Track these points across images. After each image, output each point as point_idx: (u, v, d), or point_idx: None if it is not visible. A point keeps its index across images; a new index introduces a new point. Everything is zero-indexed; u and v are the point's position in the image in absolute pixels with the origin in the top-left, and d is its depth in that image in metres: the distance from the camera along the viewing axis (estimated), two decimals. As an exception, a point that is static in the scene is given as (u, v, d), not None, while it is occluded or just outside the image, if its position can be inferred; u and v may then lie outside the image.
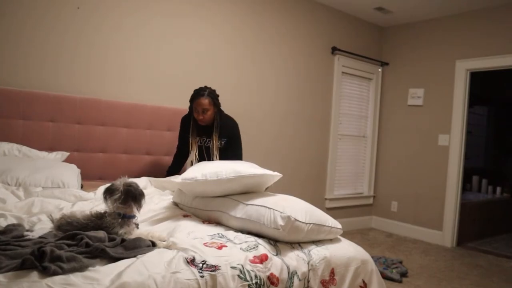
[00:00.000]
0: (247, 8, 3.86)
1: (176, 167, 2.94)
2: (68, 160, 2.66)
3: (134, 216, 1.55)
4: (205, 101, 2.62)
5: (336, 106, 4.72)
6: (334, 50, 4.61)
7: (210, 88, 2.72)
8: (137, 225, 1.57)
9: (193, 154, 2.81)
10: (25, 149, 2.45)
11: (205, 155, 2.81)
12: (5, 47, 2.63)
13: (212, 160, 2.76)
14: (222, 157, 2.74)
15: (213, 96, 2.67)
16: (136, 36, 3.18)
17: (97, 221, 1.45)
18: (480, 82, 5.41)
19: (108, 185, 1.56)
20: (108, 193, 1.51)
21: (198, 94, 2.66)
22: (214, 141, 2.72)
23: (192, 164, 2.80)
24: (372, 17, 4.85)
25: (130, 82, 3.18)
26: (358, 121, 5.07)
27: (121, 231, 1.45)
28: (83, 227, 1.41)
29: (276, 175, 1.90)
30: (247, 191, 1.87)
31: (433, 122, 4.67)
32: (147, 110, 3.16)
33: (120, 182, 1.54)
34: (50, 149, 2.69)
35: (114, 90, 3.10)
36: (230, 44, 3.76)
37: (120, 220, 1.48)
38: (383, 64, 5.16)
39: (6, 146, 2.39)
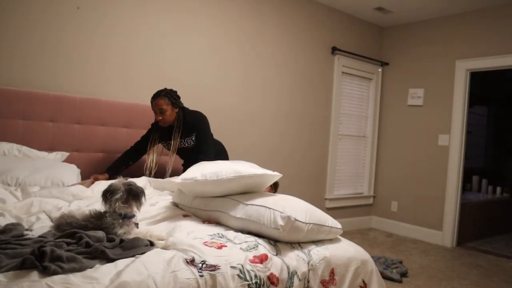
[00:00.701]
0: (246, 8, 3.86)
1: (124, 159, 2.79)
2: (68, 160, 2.66)
3: (134, 216, 1.55)
4: (160, 101, 2.62)
5: (336, 106, 4.72)
6: (334, 50, 4.62)
7: (167, 88, 2.70)
8: (136, 225, 1.57)
9: (150, 158, 2.76)
10: (25, 149, 2.45)
11: (180, 156, 2.83)
12: (5, 47, 2.63)
13: (169, 161, 2.75)
14: (193, 155, 2.67)
15: (170, 96, 2.65)
16: (136, 36, 3.19)
17: (96, 222, 1.45)
18: (480, 82, 5.41)
19: (106, 186, 1.56)
20: (109, 193, 1.51)
21: (154, 95, 2.67)
22: (174, 141, 2.71)
23: (146, 170, 2.77)
24: (372, 17, 4.86)
25: (130, 82, 3.18)
26: (358, 121, 5.07)
27: (120, 231, 1.45)
28: (82, 228, 1.41)
29: (276, 175, 1.90)
30: (247, 191, 1.87)
31: (433, 122, 4.67)
32: (147, 110, 3.16)
33: (119, 182, 1.54)
34: (50, 149, 2.69)
35: (114, 90, 3.10)
36: (229, 44, 3.76)
37: (120, 220, 1.48)
38: (383, 64, 5.16)
39: (6, 146, 2.39)
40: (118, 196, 1.49)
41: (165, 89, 2.69)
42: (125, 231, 1.46)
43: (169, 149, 2.81)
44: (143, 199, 1.57)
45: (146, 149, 2.78)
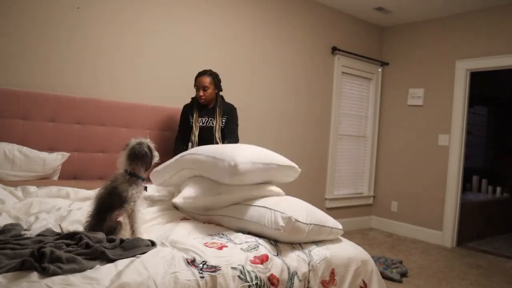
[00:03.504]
0: (246, 8, 3.86)
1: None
2: (68, 160, 2.65)
3: (141, 177, 1.60)
4: (206, 79, 2.83)
5: (336, 106, 4.72)
6: (334, 50, 4.61)
7: (214, 71, 2.92)
8: (145, 188, 1.64)
9: (195, 135, 2.90)
10: (25, 150, 2.45)
11: (204, 136, 2.90)
12: (5, 47, 2.63)
13: (214, 139, 2.88)
14: (217, 135, 2.88)
15: (215, 76, 2.88)
16: (137, 37, 3.18)
17: (111, 184, 1.54)
18: (480, 82, 5.41)
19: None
20: (123, 149, 1.63)
21: (200, 73, 2.88)
22: (218, 119, 2.89)
23: (192, 146, 2.89)
24: (372, 17, 4.85)
25: (130, 82, 3.18)
26: (358, 121, 5.07)
27: (131, 191, 1.51)
28: (106, 193, 1.51)
29: (279, 192, 1.89)
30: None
31: (433, 122, 4.67)
32: (147, 110, 3.16)
33: (134, 140, 1.63)
34: (50, 149, 2.69)
35: (114, 90, 3.09)
36: (229, 44, 3.76)
37: (127, 177, 1.55)
38: (383, 64, 5.16)
39: (6, 147, 2.39)
40: (124, 152, 1.61)
41: (211, 70, 2.91)
42: (135, 191, 1.53)
43: (204, 126, 2.92)
44: (147, 160, 1.62)
45: (190, 132, 2.92)
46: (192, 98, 3.00)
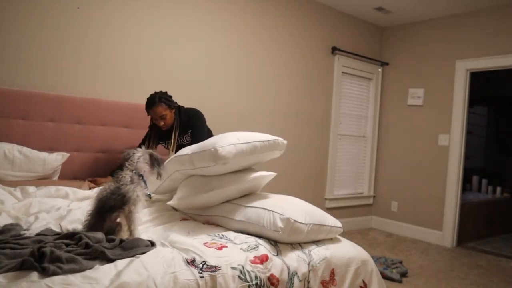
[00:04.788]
0: (246, 8, 3.86)
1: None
2: (68, 160, 2.65)
3: (146, 182, 1.61)
4: (159, 109, 2.60)
5: (336, 106, 4.72)
6: (334, 50, 4.61)
7: (159, 92, 2.66)
8: (149, 195, 1.63)
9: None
10: (25, 150, 2.45)
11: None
12: (5, 47, 2.63)
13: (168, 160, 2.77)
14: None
15: (165, 99, 2.63)
16: (137, 36, 3.18)
17: (115, 184, 1.52)
18: (480, 82, 5.41)
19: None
20: (132, 153, 1.60)
21: (149, 103, 2.62)
22: (173, 140, 2.70)
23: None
24: (372, 17, 4.85)
25: (130, 82, 3.18)
26: (358, 121, 5.07)
27: (136, 192, 1.50)
28: (109, 193, 1.48)
29: (271, 175, 1.91)
30: (245, 194, 1.87)
31: (433, 122, 4.67)
32: (147, 110, 3.15)
33: (139, 150, 1.65)
34: (50, 149, 2.69)
35: (114, 90, 3.09)
36: (230, 44, 3.76)
37: (136, 177, 1.54)
38: (383, 64, 5.15)
39: (6, 147, 2.39)
40: (140, 153, 1.58)
41: (157, 93, 2.65)
42: (139, 192, 1.52)
43: (168, 148, 2.81)
44: (162, 166, 1.65)
45: None
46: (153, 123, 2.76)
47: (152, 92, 2.71)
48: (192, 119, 2.76)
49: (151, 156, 1.64)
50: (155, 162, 1.64)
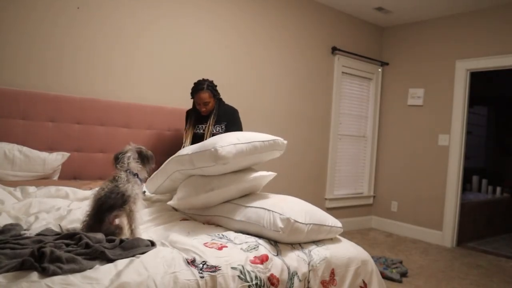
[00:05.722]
0: (246, 8, 3.86)
1: None
2: (68, 160, 2.65)
3: (141, 180, 1.63)
4: (205, 94, 2.77)
5: (336, 106, 4.72)
6: (334, 50, 4.61)
7: (208, 80, 2.84)
8: (144, 192, 1.63)
9: (187, 142, 2.88)
10: (25, 150, 2.45)
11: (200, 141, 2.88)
12: (5, 47, 2.63)
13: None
14: None
15: (212, 88, 2.82)
16: (137, 36, 3.18)
17: (111, 184, 1.53)
18: (480, 82, 5.41)
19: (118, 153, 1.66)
20: (120, 154, 1.62)
21: (197, 88, 2.80)
22: (210, 126, 2.83)
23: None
24: (372, 17, 4.85)
25: (130, 82, 3.18)
26: (358, 121, 5.07)
27: (134, 191, 1.52)
28: (107, 192, 1.50)
29: (271, 175, 1.91)
30: (245, 194, 1.87)
31: (433, 122, 4.67)
32: (147, 110, 3.16)
33: (129, 146, 1.66)
34: (50, 149, 2.69)
35: (114, 90, 3.09)
36: (230, 44, 3.76)
37: (130, 177, 1.56)
38: (383, 64, 5.16)
39: (6, 147, 2.39)
40: (129, 154, 1.60)
41: (205, 80, 2.83)
42: (137, 190, 1.54)
43: (202, 133, 2.90)
44: (152, 162, 1.67)
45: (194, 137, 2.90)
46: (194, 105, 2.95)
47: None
48: (229, 113, 2.94)
49: (140, 153, 1.67)
50: (145, 159, 1.67)
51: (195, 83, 2.85)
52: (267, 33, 4.04)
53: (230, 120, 2.91)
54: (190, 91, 2.90)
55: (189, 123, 2.93)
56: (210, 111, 2.87)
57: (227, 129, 2.87)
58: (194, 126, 2.91)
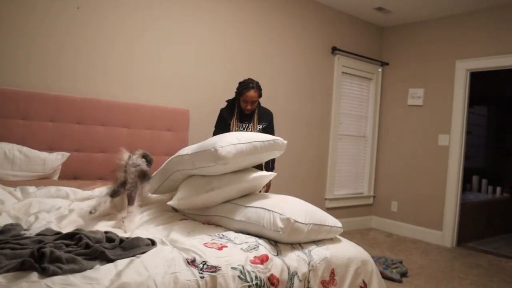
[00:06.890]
0: (246, 8, 3.86)
1: None
2: (68, 160, 2.65)
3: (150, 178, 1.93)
4: (254, 94, 2.85)
5: (336, 106, 4.72)
6: (334, 50, 4.61)
7: (255, 81, 2.90)
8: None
9: None
10: (25, 149, 2.45)
11: None
12: (5, 47, 2.63)
13: None
14: None
15: (259, 89, 2.91)
16: (137, 36, 3.18)
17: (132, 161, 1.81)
18: (480, 82, 5.41)
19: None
20: (128, 158, 1.92)
21: (247, 87, 2.86)
22: (254, 124, 2.94)
23: None
24: (372, 17, 4.85)
25: (130, 82, 3.18)
26: (358, 121, 5.07)
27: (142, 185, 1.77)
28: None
29: (271, 175, 1.91)
30: (245, 194, 1.87)
31: (433, 122, 4.67)
32: (147, 110, 3.16)
33: (137, 151, 1.95)
34: (50, 149, 2.69)
35: (114, 90, 3.09)
36: (229, 44, 3.76)
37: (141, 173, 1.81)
38: (383, 64, 5.16)
39: (6, 147, 2.39)
40: (137, 155, 1.90)
41: (254, 81, 2.89)
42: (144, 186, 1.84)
43: (244, 130, 2.97)
44: (151, 166, 1.94)
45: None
46: (229, 102, 3.00)
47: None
48: (267, 116, 3.05)
49: (146, 156, 1.89)
50: (150, 162, 1.92)
51: (243, 82, 2.89)
52: (267, 33, 4.04)
53: (270, 122, 3.04)
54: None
55: (234, 118, 2.96)
56: (252, 111, 2.95)
57: (265, 131, 2.99)
58: (238, 122, 2.97)
